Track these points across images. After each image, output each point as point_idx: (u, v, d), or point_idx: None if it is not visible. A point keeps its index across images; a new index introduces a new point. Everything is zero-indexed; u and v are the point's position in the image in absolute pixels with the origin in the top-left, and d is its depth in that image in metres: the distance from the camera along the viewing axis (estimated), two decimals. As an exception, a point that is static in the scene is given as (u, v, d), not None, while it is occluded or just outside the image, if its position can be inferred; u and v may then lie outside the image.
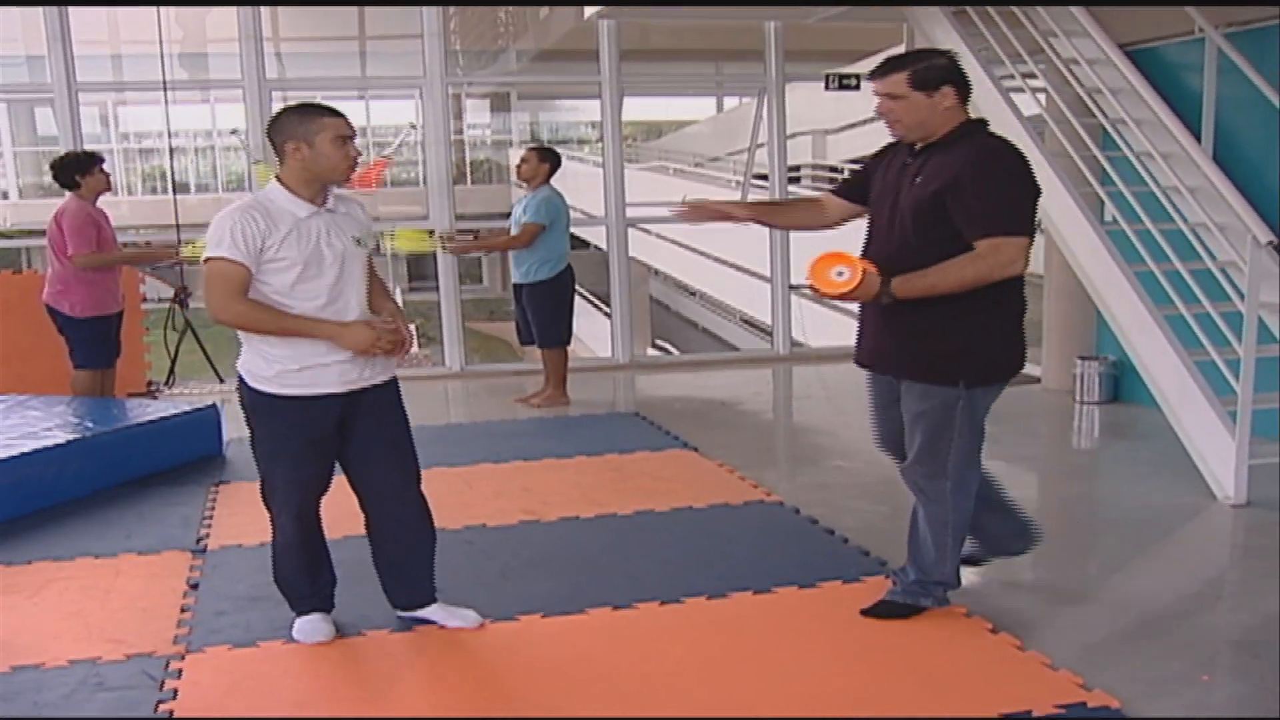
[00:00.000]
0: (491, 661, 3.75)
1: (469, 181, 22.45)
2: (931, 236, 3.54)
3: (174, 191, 9.38)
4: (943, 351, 3.64)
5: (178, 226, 7.62)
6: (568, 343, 7.80)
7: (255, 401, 3.66)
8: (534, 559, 4.67)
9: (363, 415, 3.73)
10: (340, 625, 3.95)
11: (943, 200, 3.52)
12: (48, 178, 6.76)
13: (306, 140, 3.51)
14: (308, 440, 3.67)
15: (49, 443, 5.62)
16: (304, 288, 3.54)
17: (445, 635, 3.91)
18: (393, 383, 3.82)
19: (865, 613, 3.93)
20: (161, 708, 3.42)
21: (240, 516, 5.24)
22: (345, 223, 3.64)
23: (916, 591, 3.93)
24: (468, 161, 22.77)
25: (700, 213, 4.20)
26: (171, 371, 8.66)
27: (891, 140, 3.84)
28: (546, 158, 7.45)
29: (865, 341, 3.90)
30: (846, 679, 3.54)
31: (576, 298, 7.77)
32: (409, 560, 3.95)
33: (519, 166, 7.55)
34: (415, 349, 15.40)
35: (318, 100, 3.73)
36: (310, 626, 3.89)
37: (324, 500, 3.84)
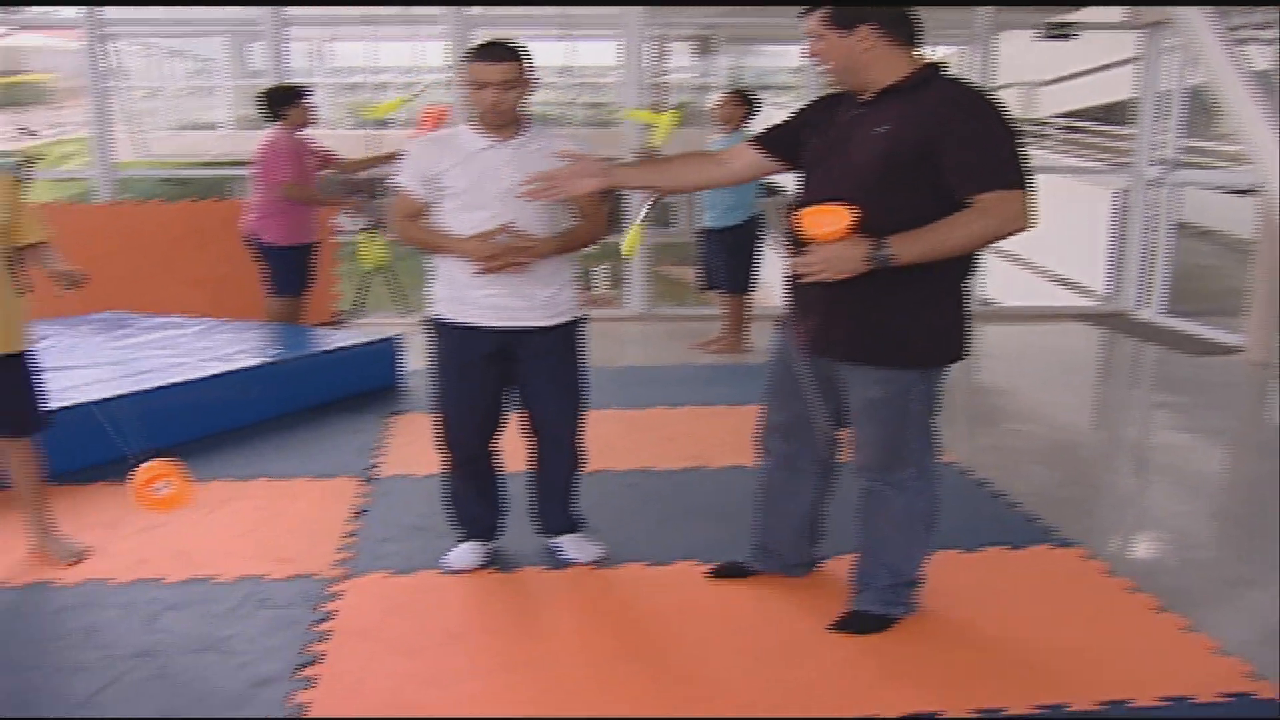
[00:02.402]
0: (644, 604, 3.75)
1: (668, 124, 22.34)
2: (898, 193, 3.11)
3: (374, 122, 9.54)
4: (900, 332, 3.25)
5: (378, 160, 7.74)
6: (751, 290, 7.72)
7: (427, 325, 3.86)
8: (697, 506, 4.64)
9: (532, 356, 3.79)
10: (501, 559, 4.02)
11: (918, 153, 3.10)
12: (256, 110, 6.94)
13: (471, 83, 3.62)
14: (461, 367, 3.80)
15: (237, 366, 5.84)
16: (465, 216, 3.65)
17: (600, 575, 3.94)
18: (567, 327, 3.83)
19: (835, 628, 3.52)
20: (320, 628, 3.52)
21: (412, 447, 5.35)
22: (533, 159, 3.63)
23: (890, 599, 3.55)
24: (669, 104, 22.70)
25: (549, 190, 3.52)
26: (359, 303, 8.90)
27: (828, 92, 3.42)
28: (744, 102, 7.35)
29: (806, 322, 3.40)
30: (997, 650, 3.43)
31: (763, 245, 7.68)
32: (551, 490, 4.05)
33: (716, 110, 7.47)
34: (602, 290, 15.53)
35: (502, 41, 3.70)
36: (461, 553, 4.01)
37: (502, 437, 3.94)
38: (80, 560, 4.00)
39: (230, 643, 3.42)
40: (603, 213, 3.82)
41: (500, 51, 3.58)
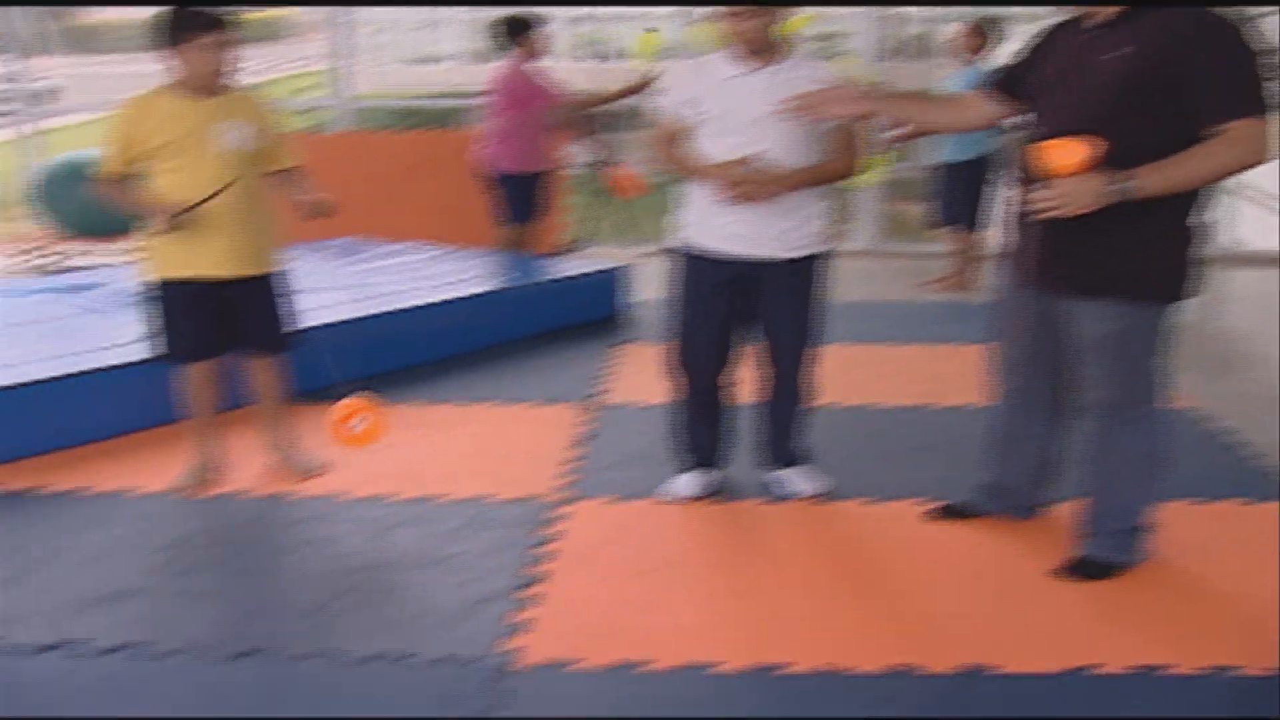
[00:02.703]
0: (865, 540, 3.66)
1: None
2: (1134, 120, 2.94)
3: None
4: (1135, 265, 3.08)
5: (620, 94, 7.72)
6: (982, 228, 7.44)
7: (671, 251, 3.86)
8: (923, 444, 4.50)
9: (770, 288, 3.73)
10: (722, 490, 3.99)
11: (1159, 77, 2.91)
12: (487, 42, 7.01)
13: (720, 12, 3.56)
14: (698, 293, 3.77)
15: (467, 293, 5.94)
16: (717, 143, 3.60)
17: (822, 509, 3.87)
18: (808, 261, 3.75)
19: (1060, 573, 3.36)
20: (542, 550, 3.55)
21: (637, 377, 5.35)
22: (787, 85, 3.53)
23: (1118, 545, 3.36)
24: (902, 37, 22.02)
25: (806, 110, 3.44)
26: (587, 233, 8.95)
27: (1052, 23, 3.26)
28: (982, 33, 7.06)
29: (1038, 257, 3.23)
30: (1231, 606, 3.21)
31: (997, 182, 7.37)
32: (778, 423, 3.99)
33: (957, 40, 7.19)
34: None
35: None
36: (680, 482, 3.99)
37: (734, 368, 3.91)
38: (316, 475, 4.14)
39: (454, 560, 3.49)
40: (855, 148, 3.69)
41: None
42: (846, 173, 3.70)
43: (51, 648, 2.99)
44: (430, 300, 5.76)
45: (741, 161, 3.54)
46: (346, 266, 6.52)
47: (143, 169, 3.78)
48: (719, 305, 3.77)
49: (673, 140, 3.71)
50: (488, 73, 7.02)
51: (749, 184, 3.54)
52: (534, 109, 6.76)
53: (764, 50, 3.56)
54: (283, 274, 4.03)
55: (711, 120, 3.61)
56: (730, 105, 3.58)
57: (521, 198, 7.01)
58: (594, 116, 7.65)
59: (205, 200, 3.70)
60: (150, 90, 3.78)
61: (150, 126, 3.71)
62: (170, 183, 3.74)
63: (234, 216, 3.79)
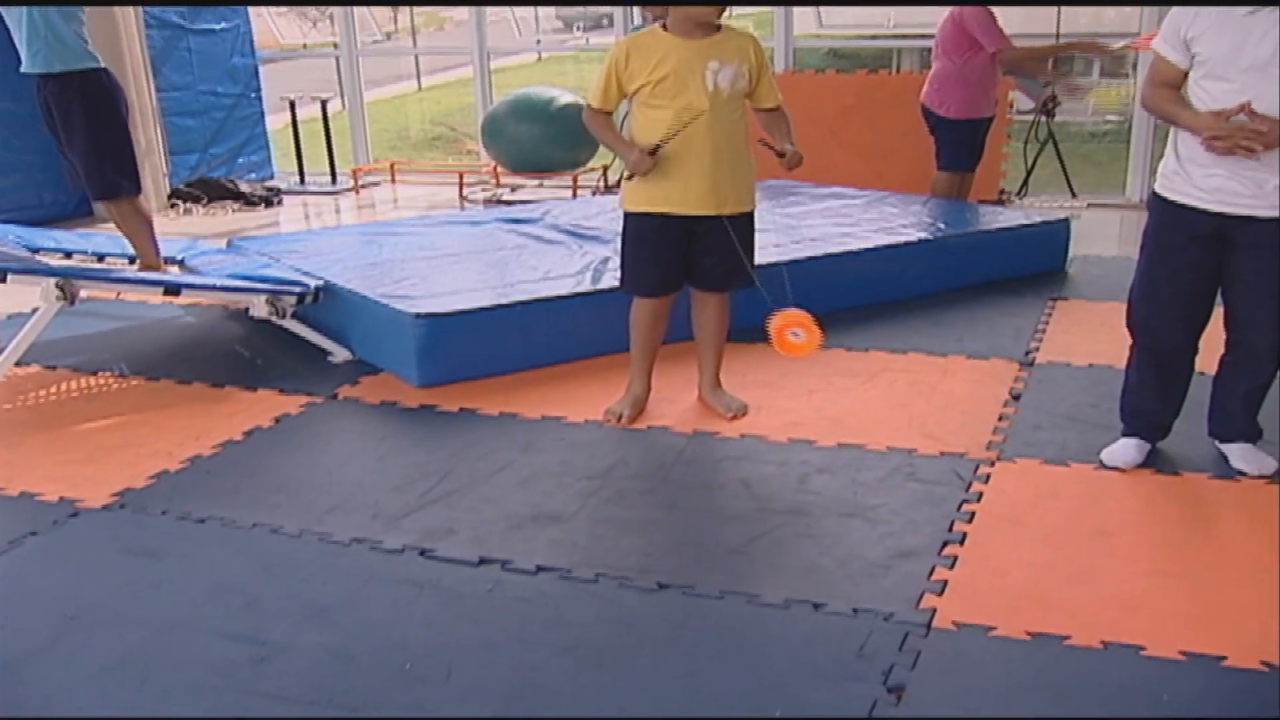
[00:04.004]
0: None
1: None
2: None
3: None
4: None
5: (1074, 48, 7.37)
6: None
7: (1149, 200, 3.62)
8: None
9: (1247, 248, 3.42)
10: (1163, 461, 3.74)
11: None
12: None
13: None
14: (1169, 247, 3.54)
15: (900, 240, 5.84)
16: (1208, 86, 3.34)
17: (1272, 490, 3.55)
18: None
19: None
20: (966, 508, 3.45)
21: (1073, 334, 5.11)
22: None
23: None
24: None
25: None
26: (1025, 183, 8.61)
27: None
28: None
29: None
30: None
31: None
32: (1235, 394, 3.69)
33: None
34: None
35: None
36: (1119, 448, 3.78)
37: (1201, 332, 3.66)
38: (741, 415, 4.21)
39: (876, 511, 3.45)
40: None
41: None
42: None
43: (482, 562, 3.19)
44: (864, 245, 5.71)
45: (1232, 111, 3.24)
46: (779, 209, 6.57)
47: (635, 104, 3.93)
48: (1190, 262, 3.50)
49: (1169, 84, 3.45)
50: (931, 13, 6.84)
51: (1238, 135, 3.25)
52: (980, 54, 6.53)
53: None
54: (750, 215, 4.08)
55: (1206, 62, 3.32)
56: (1233, 46, 3.26)
57: (961, 143, 6.82)
58: (1041, 64, 7.33)
59: (672, 136, 3.80)
60: (645, 30, 3.94)
61: (640, 64, 3.86)
62: (655, 118, 3.87)
63: (711, 155, 3.88)
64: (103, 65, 5.56)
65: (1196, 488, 3.60)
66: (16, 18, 5.40)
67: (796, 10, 9.28)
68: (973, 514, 3.42)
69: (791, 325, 3.72)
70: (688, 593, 3.00)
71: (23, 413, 4.51)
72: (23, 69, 5.49)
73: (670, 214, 3.93)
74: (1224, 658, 2.67)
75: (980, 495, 3.54)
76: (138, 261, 5.83)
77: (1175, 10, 3.43)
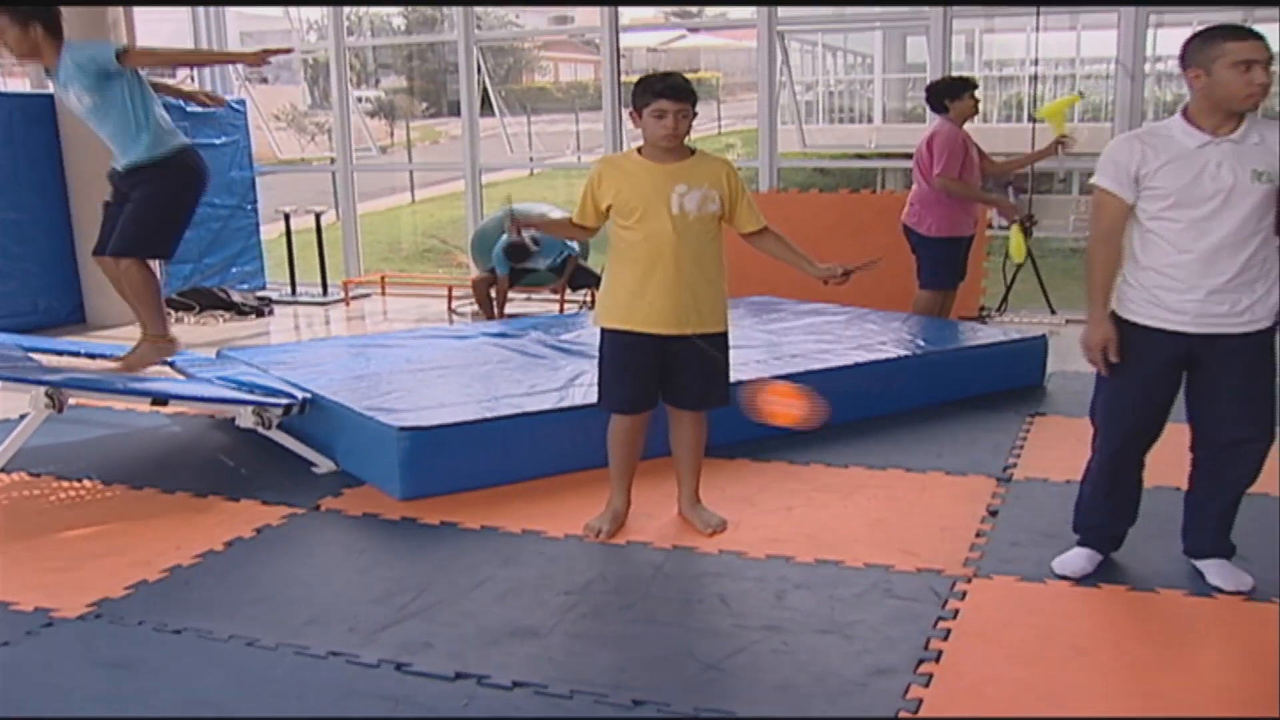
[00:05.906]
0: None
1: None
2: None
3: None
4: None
5: (1035, 157, 7.52)
6: None
7: (1114, 319, 3.62)
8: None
9: (1217, 364, 3.50)
10: (1135, 578, 3.76)
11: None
12: (910, 103, 7.00)
13: (1204, 67, 3.34)
14: (1140, 369, 3.56)
15: (881, 356, 5.91)
16: (1170, 214, 3.41)
17: (1249, 608, 3.56)
18: (1264, 334, 3.49)
19: None
20: (942, 625, 3.46)
21: (1052, 451, 5.15)
22: (1251, 155, 3.35)
23: None
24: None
25: None
26: (1005, 299, 8.71)
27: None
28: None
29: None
30: None
31: None
32: (1210, 511, 3.72)
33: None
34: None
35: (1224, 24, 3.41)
36: (1071, 557, 3.85)
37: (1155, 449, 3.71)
38: (720, 531, 4.23)
39: (853, 628, 3.46)
40: None
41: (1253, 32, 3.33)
42: None
43: (459, 676, 3.18)
44: (844, 363, 5.77)
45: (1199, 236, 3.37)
46: (761, 325, 6.65)
47: (612, 222, 4.06)
48: (1165, 383, 3.58)
49: (1116, 220, 3.51)
50: (908, 134, 7.00)
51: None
52: (963, 173, 6.66)
53: (1235, 115, 3.36)
54: (724, 334, 4.15)
55: (1167, 195, 3.40)
56: (1193, 178, 3.36)
57: (942, 262, 6.93)
58: (1013, 180, 7.49)
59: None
60: (623, 152, 4.13)
61: (609, 184, 3.99)
62: (624, 238, 3.99)
63: (675, 276, 3.96)
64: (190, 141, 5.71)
65: (1173, 605, 3.61)
66: (112, 115, 5.46)
67: (780, 129, 9.47)
68: (949, 631, 3.42)
69: (786, 397, 3.91)
70: (663, 710, 2.99)
71: (2, 520, 4.52)
72: (123, 164, 5.55)
73: (639, 332, 4.00)
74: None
75: (957, 612, 3.55)
76: (138, 342, 5.81)
77: (1116, 147, 3.50)
